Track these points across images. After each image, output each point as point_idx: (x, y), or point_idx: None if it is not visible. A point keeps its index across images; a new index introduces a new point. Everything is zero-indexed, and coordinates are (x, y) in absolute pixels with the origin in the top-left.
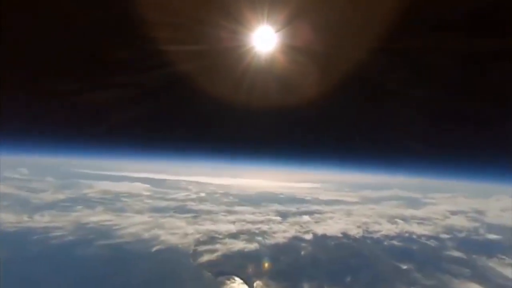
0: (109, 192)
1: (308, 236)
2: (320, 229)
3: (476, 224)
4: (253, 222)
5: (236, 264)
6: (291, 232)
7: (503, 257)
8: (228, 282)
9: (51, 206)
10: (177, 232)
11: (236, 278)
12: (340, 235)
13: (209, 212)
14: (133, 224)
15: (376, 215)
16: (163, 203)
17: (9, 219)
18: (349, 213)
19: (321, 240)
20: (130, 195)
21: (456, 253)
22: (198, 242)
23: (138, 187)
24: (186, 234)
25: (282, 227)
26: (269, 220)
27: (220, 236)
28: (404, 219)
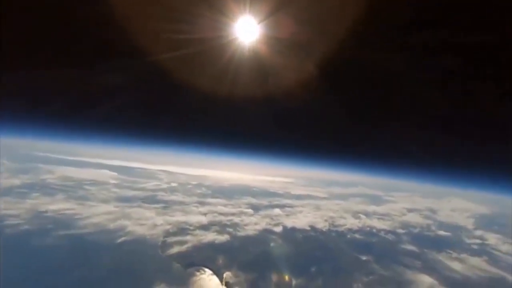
0: (71, 179)
1: (278, 229)
2: (289, 222)
3: (429, 222)
4: (225, 214)
5: (206, 255)
6: (262, 225)
7: (451, 251)
8: (198, 273)
9: (5, 192)
10: (145, 223)
11: (206, 270)
12: (308, 228)
13: (180, 203)
14: (97, 214)
15: (342, 210)
16: (131, 193)
17: None
18: (317, 208)
19: (290, 232)
20: (95, 183)
21: (410, 247)
22: (168, 234)
23: (104, 174)
24: (154, 225)
25: (254, 219)
26: (241, 213)
27: (191, 228)
28: (367, 214)
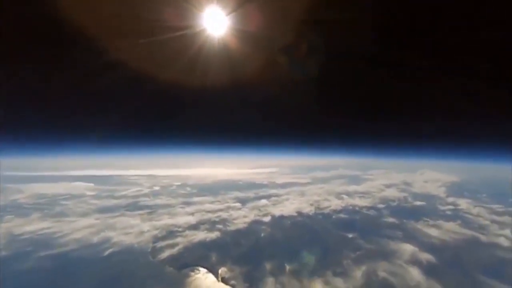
0: (44, 196)
1: (267, 219)
2: (277, 211)
3: (405, 194)
4: (213, 211)
5: (198, 254)
6: (251, 217)
7: (427, 219)
8: (193, 273)
9: None
10: (131, 231)
11: (201, 269)
12: (295, 214)
13: (165, 206)
14: (78, 229)
15: (326, 193)
16: (112, 202)
17: None
18: (302, 194)
19: (278, 221)
20: (71, 196)
21: (391, 219)
22: (157, 238)
23: (79, 186)
24: (141, 232)
25: (242, 212)
26: (229, 207)
27: (180, 229)
28: (348, 194)
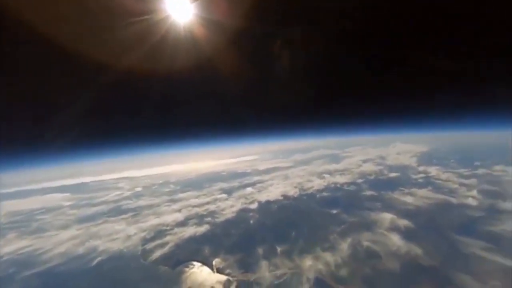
0: (19, 213)
1: (254, 206)
2: (263, 197)
3: (381, 167)
4: (199, 205)
5: (191, 250)
6: (238, 206)
7: (402, 188)
8: (187, 269)
9: None
10: (117, 237)
11: (195, 263)
12: (281, 198)
13: (150, 207)
14: (61, 243)
15: (308, 174)
16: (92, 210)
17: None
18: (286, 177)
19: (265, 206)
20: (47, 210)
21: (370, 192)
22: (145, 240)
23: (54, 198)
24: (128, 236)
25: (229, 203)
26: (215, 199)
27: (168, 228)
28: (330, 173)
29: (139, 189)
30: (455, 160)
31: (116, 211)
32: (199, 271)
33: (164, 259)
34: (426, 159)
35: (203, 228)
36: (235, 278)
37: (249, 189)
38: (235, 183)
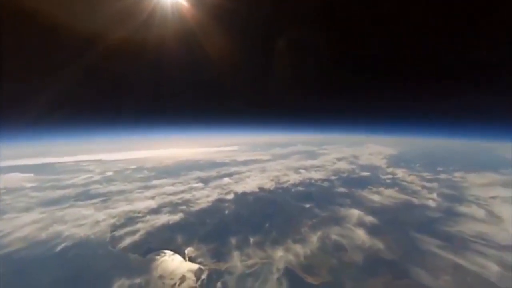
0: None
1: (230, 196)
2: (240, 188)
3: (354, 166)
4: (174, 193)
5: (163, 238)
6: (214, 196)
7: (371, 187)
8: (158, 257)
9: None
10: (84, 222)
11: (166, 251)
12: (257, 190)
13: (121, 192)
14: (21, 226)
15: (285, 168)
16: (57, 193)
17: None
18: (263, 170)
19: (241, 197)
20: (7, 190)
21: (341, 189)
22: (115, 227)
23: (15, 178)
24: (96, 222)
25: (205, 192)
26: (191, 188)
27: (140, 215)
28: (306, 168)
29: (110, 173)
30: (420, 164)
31: (85, 195)
32: (170, 260)
33: (134, 247)
34: (395, 161)
35: (177, 217)
36: (207, 267)
37: (226, 180)
38: (213, 173)
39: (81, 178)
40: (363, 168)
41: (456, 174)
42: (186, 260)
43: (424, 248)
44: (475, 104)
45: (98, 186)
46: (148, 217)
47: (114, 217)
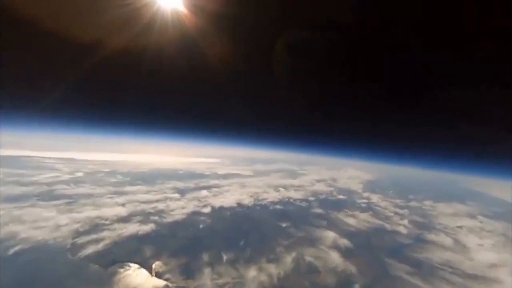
0: None
1: (207, 210)
2: (217, 202)
3: (332, 189)
4: (147, 202)
5: (129, 249)
6: (190, 208)
7: (347, 210)
8: (122, 270)
9: None
10: (44, 224)
11: (132, 264)
12: (235, 205)
13: (89, 196)
14: None
15: (265, 185)
16: (18, 189)
17: None
18: (243, 185)
19: (218, 212)
20: None
21: (318, 210)
22: (77, 233)
23: None
24: (58, 226)
25: (181, 203)
26: (166, 198)
27: (107, 222)
28: (285, 187)
29: (80, 174)
30: (394, 191)
31: (48, 195)
32: (135, 274)
33: (96, 256)
34: (371, 187)
35: (148, 227)
36: (174, 284)
37: (204, 192)
38: (191, 184)
39: (47, 176)
40: (341, 191)
41: (426, 202)
42: (152, 276)
43: (394, 273)
44: (447, 139)
45: (65, 186)
46: (116, 225)
47: (78, 222)
